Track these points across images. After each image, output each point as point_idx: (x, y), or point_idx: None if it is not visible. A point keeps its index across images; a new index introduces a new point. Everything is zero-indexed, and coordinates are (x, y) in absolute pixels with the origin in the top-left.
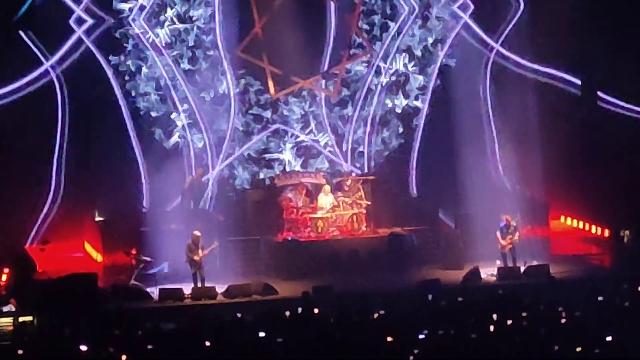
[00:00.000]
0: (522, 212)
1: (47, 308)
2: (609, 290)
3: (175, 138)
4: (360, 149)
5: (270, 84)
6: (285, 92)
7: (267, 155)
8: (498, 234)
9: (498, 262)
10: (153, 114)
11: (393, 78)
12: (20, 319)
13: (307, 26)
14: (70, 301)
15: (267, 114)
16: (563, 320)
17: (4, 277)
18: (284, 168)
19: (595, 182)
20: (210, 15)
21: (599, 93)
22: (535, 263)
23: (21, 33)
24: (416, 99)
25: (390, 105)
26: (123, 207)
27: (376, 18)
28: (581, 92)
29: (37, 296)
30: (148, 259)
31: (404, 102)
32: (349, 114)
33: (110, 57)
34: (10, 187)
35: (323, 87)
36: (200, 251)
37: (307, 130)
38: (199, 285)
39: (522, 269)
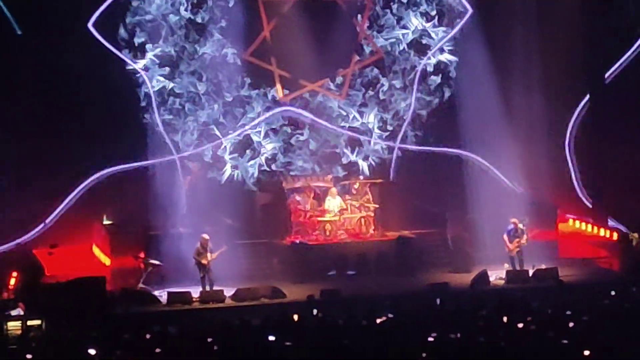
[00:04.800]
0: (530, 215)
1: (55, 312)
2: (617, 293)
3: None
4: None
5: (279, 87)
6: (294, 95)
7: (212, 128)
8: (505, 237)
9: (506, 266)
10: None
11: (360, 128)
12: (29, 323)
13: (315, 30)
14: (78, 305)
15: (228, 96)
16: (571, 324)
17: (12, 281)
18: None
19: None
20: None
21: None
22: (543, 266)
23: None
24: (365, 158)
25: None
26: (131, 210)
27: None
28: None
29: (45, 300)
30: (156, 262)
31: (353, 157)
32: (299, 139)
33: None
34: (19, 191)
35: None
36: (208, 255)
37: (256, 130)
38: (207, 288)
39: (531, 272)
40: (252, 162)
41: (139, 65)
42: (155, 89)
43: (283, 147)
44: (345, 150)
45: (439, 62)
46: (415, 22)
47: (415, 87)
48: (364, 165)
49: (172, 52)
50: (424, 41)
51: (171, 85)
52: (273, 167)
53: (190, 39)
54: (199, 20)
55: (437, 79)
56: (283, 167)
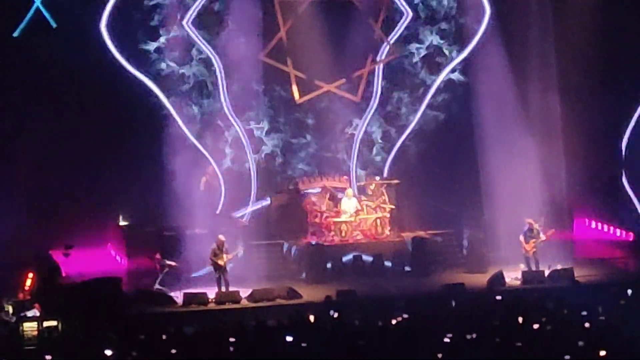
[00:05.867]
0: (546, 216)
1: (71, 313)
2: (633, 293)
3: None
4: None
5: (295, 88)
6: (310, 96)
7: (216, 118)
8: (521, 238)
9: (522, 266)
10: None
11: (363, 136)
12: (45, 324)
13: (331, 31)
14: (94, 306)
15: (236, 88)
16: (587, 324)
17: (28, 282)
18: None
19: (619, 185)
20: None
21: None
22: (559, 267)
23: None
24: (364, 167)
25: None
26: (147, 211)
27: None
28: None
29: (61, 301)
30: (172, 263)
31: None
32: (301, 141)
33: None
34: (34, 192)
35: (346, 91)
36: (224, 255)
37: (258, 127)
38: (223, 289)
39: (547, 272)
40: (252, 159)
41: (151, 47)
42: (164, 72)
43: (284, 147)
44: (344, 157)
45: (449, 80)
46: (431, 38)
47: (425, 102)
48: (362, 174)
49: (185, 38)
50: (437, 58)
51: (181, 70)
52: (271, 166)
53: (204, 26)
54: (215, 8)
55: (445, 96)
56: (281, 167)
